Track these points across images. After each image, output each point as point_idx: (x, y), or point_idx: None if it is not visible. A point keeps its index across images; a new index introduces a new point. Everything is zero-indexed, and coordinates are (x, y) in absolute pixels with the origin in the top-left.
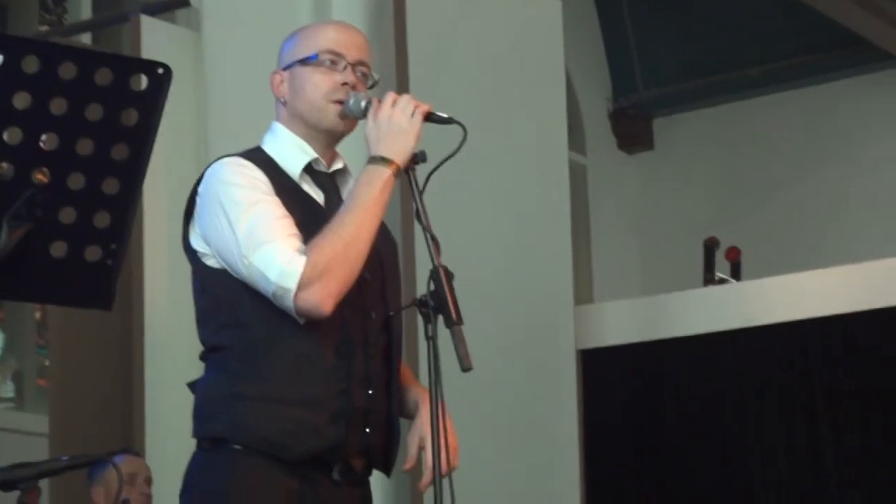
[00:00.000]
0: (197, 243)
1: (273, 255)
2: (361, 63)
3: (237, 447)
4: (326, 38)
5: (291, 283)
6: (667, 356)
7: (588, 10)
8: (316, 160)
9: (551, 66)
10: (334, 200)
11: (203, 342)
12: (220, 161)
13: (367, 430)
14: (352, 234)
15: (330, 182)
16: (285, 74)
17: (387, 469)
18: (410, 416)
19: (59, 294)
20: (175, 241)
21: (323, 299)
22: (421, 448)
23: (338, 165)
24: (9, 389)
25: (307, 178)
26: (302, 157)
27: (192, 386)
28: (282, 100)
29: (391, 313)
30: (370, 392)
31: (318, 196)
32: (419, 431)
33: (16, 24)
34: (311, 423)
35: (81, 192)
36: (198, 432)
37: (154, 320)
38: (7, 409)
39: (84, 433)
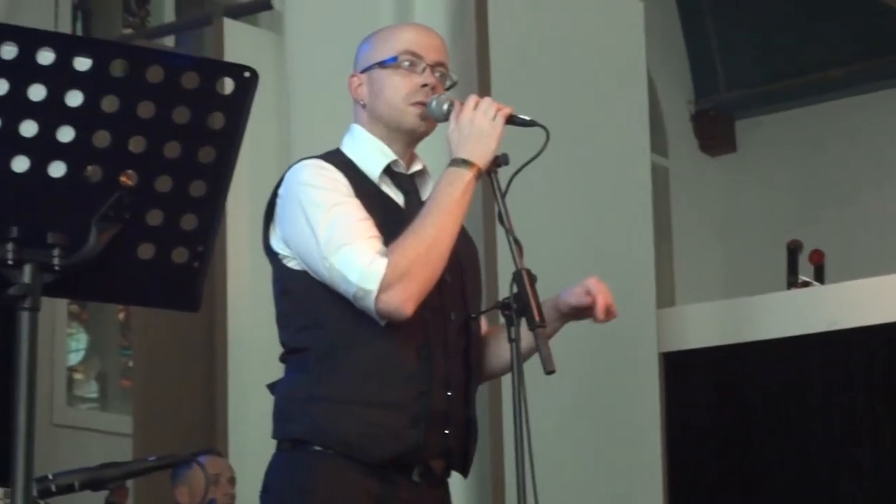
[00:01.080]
0: (277, 245)
1: (354, 256)
2: (440, 64)
3: (317, 448)
4: (405, 40)
5: (373, 285)
6: (750, 359)
7: (670, 12)
8: (395, 162)
9: (633, 67)
10: (414, 202)
11: (283, 344)
12: (300, 163)
13: (447, 431)
14: (433, 236)
15: (409, 183)
16: (363, 77)
17: (465, 470)
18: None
19: (146, 296)
20: (257, 243)
21: (404, 301)
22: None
23: (417, 167)
24: (93, 390)
25: (387, 179)
26: (381, 159)
27: (272, 388)
28: (361, 102)
29: (472, 315)
30: (449, 394)
31: (397, 197)
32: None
33: (99, 27)
34: (390, 426)
35: (168, 195)
36: (277, 434)
37: (236, 322)
38: (91, 410)
39: (167, 434)
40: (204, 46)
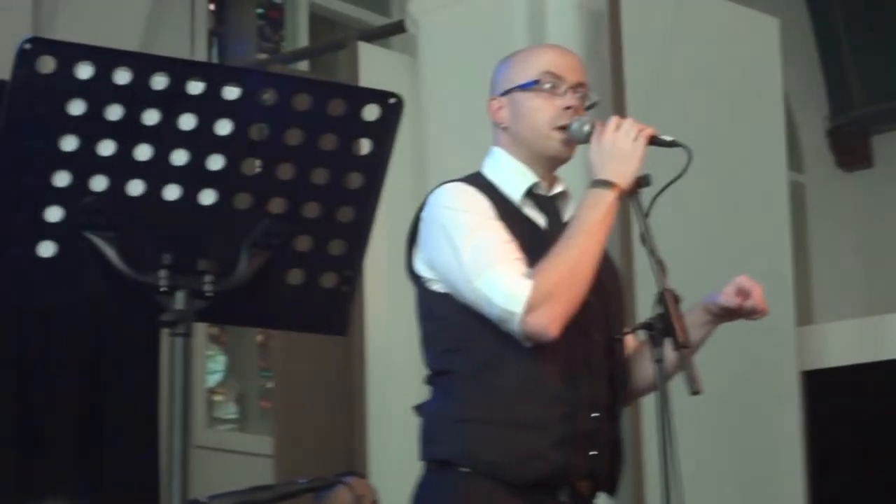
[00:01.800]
0: (421, 268)
1: (499, 279)
2: (580, 85)
3: (464, 470)
4: (545, 62)
5: (518, 308)
6: (892, 377)
7: (805, 28)
8: (537, 184)
9: (769, 84)
10: (556, 224)
11: (428, 366)
12: (442, 186)
13: (592, 453)
14: (577, 257)
15: (551, 205)
16: (503, 100)
17: (612, 491)
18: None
19: (295, 321)
20: (395, 266)
21: (549, 323)
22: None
23: (558, 189)
24: (232, 411)
25: (529, 202)
26: (523, 182)
27: (419, 409)
28: (502, 125)
29: (617, 336)
30: (594, 415)
31: (539, 220)
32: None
33: (234, 52)
34: (536, 448)
35: (317, 221)
36: (425, 455)
37: (375, 343)
38: (230, 431)
39: (307, 455)
40: (338, 70)
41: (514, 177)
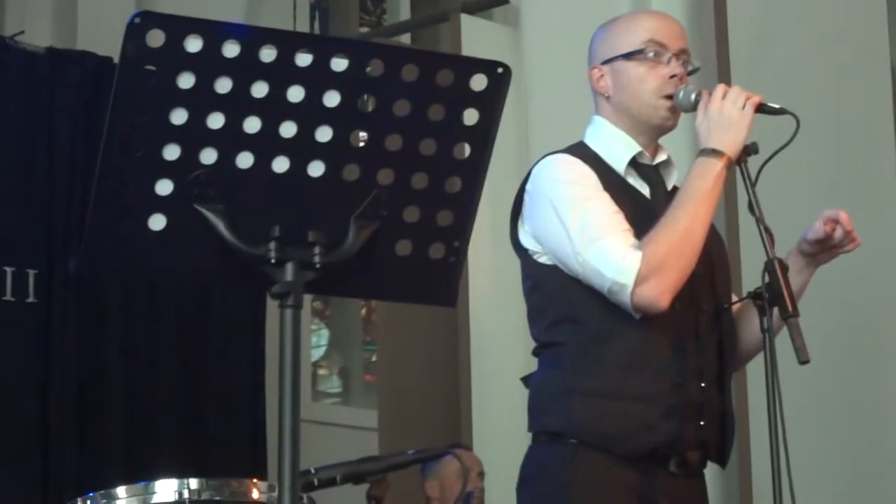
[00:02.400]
0: (527, 241)
1: (608, 250)
2: (683, 51)
3: (573, 441)
4: (647, 28)
5: (628, 279)
6: None
7: None
8: (640, 153)
9: (876, 54)
10: (660, 193)
11: (536, 338)
12: (547, 158)
13: (702, 423)
14: (686, 227)
15: (655, 174)
16: (605, 69)
17: (723, 461)
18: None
19: (404, 292)
20: (498, 238)
21: (660, 294)
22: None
23: (662, 157)
24: (336, 385)
25: (632, 171)
26: (627, 151)
27: (527, 380)
28: (605, 95)
29: (724, 306)
30: (703, 385)
31: (643, 189)
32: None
33: (336, 25)
34: (646, 419)
35: (425, 191)
36: (534, 426)
37: (479, 316)
38: (334, 405)
39: (412, 428)
40: (440, 43)
41: (617, 146)
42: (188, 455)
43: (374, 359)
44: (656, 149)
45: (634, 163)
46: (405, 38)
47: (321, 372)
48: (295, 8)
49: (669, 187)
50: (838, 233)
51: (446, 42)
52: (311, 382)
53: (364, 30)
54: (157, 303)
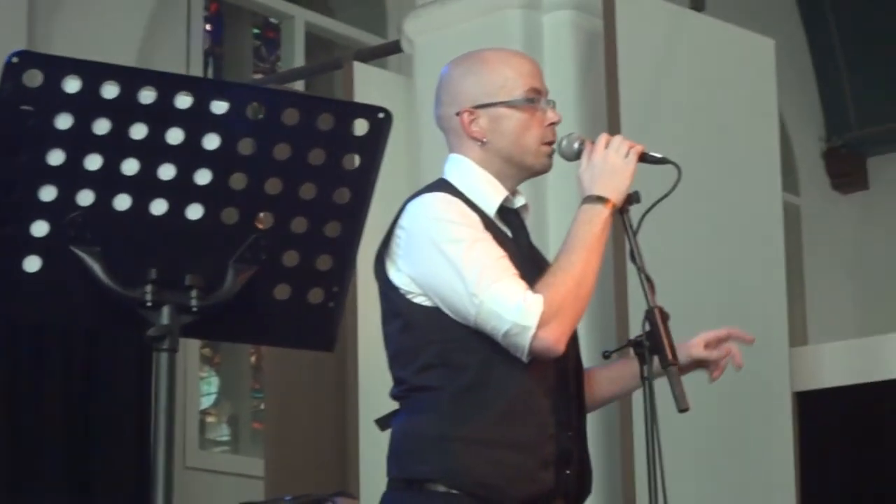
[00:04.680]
0: (400, 280)
1: (506, 293)
2: (547, 93)
3: (442, 489)
4: (525, 75)
5: (531, 321)
6: (885, 399)
7: (800, 49)
8: (507, 198)
9: (764, 105)
10: (522, 237)
11: (402, 380)
12: (425, 196)
13: (567, 472)
14: (581, 272)
15: (517, 218)
16: (481, 113)
17: None
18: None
19: (283, 336)
20: None
21: (559, 338)
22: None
23: (521, 201)
24: (225, 433)
25: (497, 215)
26: (497, 196)
27: (383, 423)
28: (480, 140)
29: (604, 353)
30: (570, 434)
31: (508, 232)
32: (693, 342)
33: (230, 72)
34: (525, 468)
35: (304, 236)
36: (400, 473)
37: (367, 362)
38: (223, 453)
39: (299, 476)
40: (334, 90)
41: (487, 191)
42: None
43: (263, 407)
44: (515, 192)
45: (500, 207)
46: (299, 85)
47: (210, 420)
48: (188, 54)
49: (529, 231)
50: (718, 355)
51: (340, 89)
52: (199, 430)
53: (258, 76)
54: (43, 344)
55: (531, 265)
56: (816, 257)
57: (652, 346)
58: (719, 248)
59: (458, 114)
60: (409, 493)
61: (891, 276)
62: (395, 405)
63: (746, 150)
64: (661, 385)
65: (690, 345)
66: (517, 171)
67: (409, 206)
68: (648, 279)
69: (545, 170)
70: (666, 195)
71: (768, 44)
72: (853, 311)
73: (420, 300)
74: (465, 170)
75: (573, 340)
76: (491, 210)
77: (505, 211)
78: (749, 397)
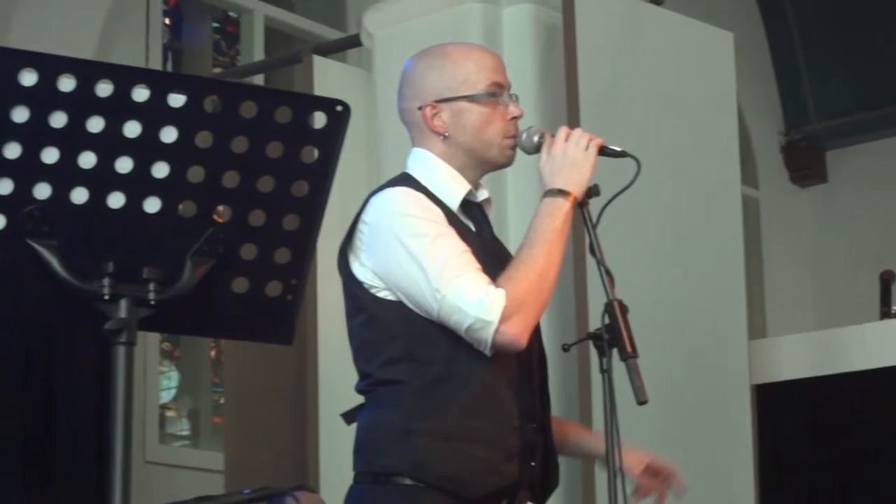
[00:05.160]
0: (364, 275)
1: (469, 288)
2: (510, 87)
3: (408, 483)
4: (487, 69)
5: (493, 316)
6: (843, 390)
7: (759, 42)
8: (470, 192)
9: (723, 98)
10: (486, 230)
11: (367, 375)
12: (388, 191)
13: (533, 464)
14: (543, 266)
15: (480, 212)
16: (443, 107)
17: (543, 501)
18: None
19: (240, 329)
20: None
21: (521, 332)
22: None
23: (484, 195)
24: (184, 427)
25: (460, 209)
26: (460, 190)
27: (349, 417)
28: (442, 133)
29: (563, 346)
30: (534, 426)
31: (471, 226)
32: (638, 457)
33: (190, 66)
34: (490, 461)
35: (262, 229)
36: (366, 467)
37: (327, 356)
38: (183, 447)
39: (259, 470)
40: (293, 84)
41: (450, 185)
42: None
43: (223, 400)
44: (478, 186)
45: (462, 200)
46: (258, 79)
47: (170, 414)
48: (147, 48)
49: (491, 224)
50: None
51: (299, 84)
52: (159, 424)
53: (217, 70)
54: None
55: (494, 259)
56: (775, 250)
57: (611, 338)
58: (678, 241)
59: (420, 108)
60: (376, 487)
61: (849, 269)
62: (355, 398)
63: (705, 144)
64: (621, 377)
65: (630, 461)
66: (480, 164)
67: (373, 201)
68: (608, 272)
69: (508, 163)
70: (625, 188)
71: (727, 37)
72: (812, 304)
73: (384, 294)
74: (427, 164)
75: (536, 333)
76: (454, 204)
77: (468, 205)
78: (708, 390)
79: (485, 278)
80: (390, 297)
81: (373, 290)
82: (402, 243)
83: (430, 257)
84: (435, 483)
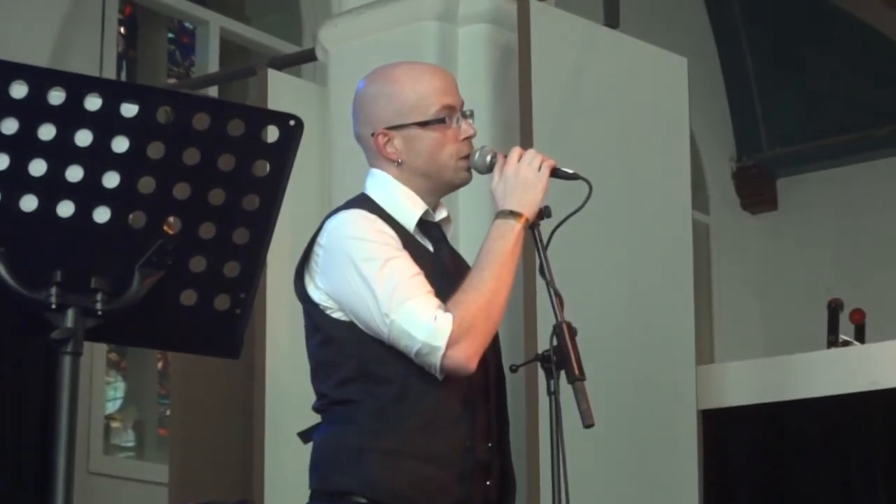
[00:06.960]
0: (319, 296)
1: (417, 312)
2: (462, 105)
3: (362, 501)
4: (437, 92)
5: (440, 341)
6: (789, 418)
7: (713, 69)
8: (427, 212)
9: (676, 123)
10: (444, 249)
11: (323, 394)
12: (343, 214)
13: (488, 483)
14: (492, 289)
15: (438, 232)
16: (394, 134)
17: None
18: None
19: (188, 342)
20: None
21: (470, 356)
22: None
23: (443, 214)
24: (130, 439)
25: (417, 229)
26: (416, 211)
27: (305, 436)
28: (396, 160)
29: (511, 367)
30: (490, 445)
31: (428, 246)
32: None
33: (144, 76)
34: (440, 481)
35: (212, 242)
36: (321, 485)
37: (275, 371)
38: (128, 459)
39: (203, 483)
40: (247, 97)
41: (406, 206)
42: None
43: (169, 412)
44: (437, 205)
45: (420, 220)
46: (213, 91)
47: (115, 425)
48: (102, 56)
49: (450, 243)
50: None
51: (253, 97)
52: (104, 435)
53: (172, 81)
54: None
55: (452, 279)
56: (725, 276)
57: (559, 360)
58: (628, 264)
59: (373, 135)
60: None
61: (798, 297)
62: (303, 413)
63: (658, 168)
64: (568, 400)
65: None
66: (436, 186)
67: (328, 223)
68: (557, 294)
69: (464, 183)
70: (576, 210)
71: (681, 62)
72: (760, 331)
73: (338, 315)
74: (384, 185)
75: (495, 351)
76: (410, 224)
77: (426, 225)
78: (655, 414)
79: (435, 302)
80: (344, 318)
81: (328, 311)
82: (355, 266)
83: (380, 281)
84: (388, 502)
